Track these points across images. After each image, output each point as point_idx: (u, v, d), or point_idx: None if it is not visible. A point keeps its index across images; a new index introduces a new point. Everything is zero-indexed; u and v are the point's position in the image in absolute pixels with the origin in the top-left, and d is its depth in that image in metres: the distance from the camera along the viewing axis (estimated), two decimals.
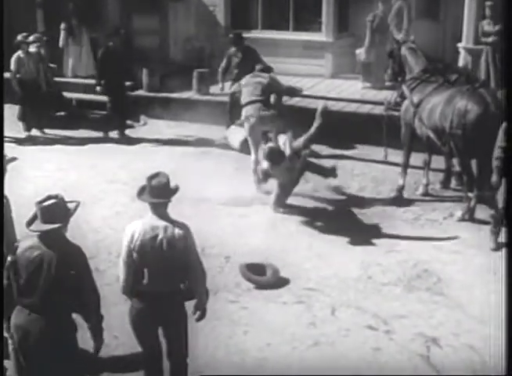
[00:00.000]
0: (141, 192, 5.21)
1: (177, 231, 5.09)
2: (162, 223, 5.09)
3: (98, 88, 12.32)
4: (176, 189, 5.20)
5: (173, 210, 5.23)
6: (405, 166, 9.63)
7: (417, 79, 9.46)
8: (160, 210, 5.13)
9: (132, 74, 12.79)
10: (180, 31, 13.72)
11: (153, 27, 15.19)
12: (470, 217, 8.78)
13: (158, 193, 5.09)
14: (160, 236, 5.06)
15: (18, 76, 12.22)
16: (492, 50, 11.69)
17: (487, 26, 11.82)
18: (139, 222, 5.15)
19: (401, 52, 9.82)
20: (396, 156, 9.91)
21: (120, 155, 11.41)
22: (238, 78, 11.68)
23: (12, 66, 12.17)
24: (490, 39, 11.74)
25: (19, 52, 12.27)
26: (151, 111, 13.03)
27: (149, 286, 5.10)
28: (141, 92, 13.53)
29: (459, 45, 13.06)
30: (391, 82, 10.79)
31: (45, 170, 10.67)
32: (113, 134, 12.38)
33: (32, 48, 12.39)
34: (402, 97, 9.63)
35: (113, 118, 12.38)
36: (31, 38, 12.43)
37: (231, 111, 10.80)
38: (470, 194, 8.65)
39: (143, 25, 15.22)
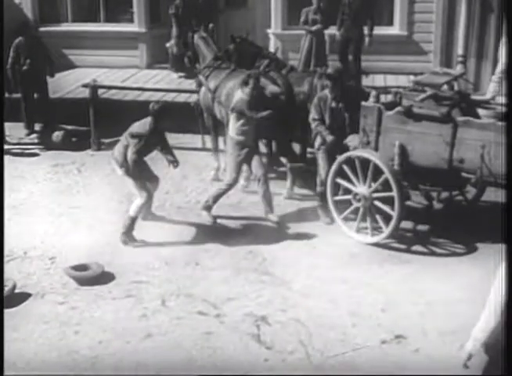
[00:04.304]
0: None
1: None
2: None
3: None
4: None
5: None
6: (216, 150, 9.95)
7: (210, 67, 9.86)
8: None
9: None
10: None
11: None
12: (290, 195, 9.16)
13: None
14: None
15: None
16: (316, 37, 12.16)
17: (313, 14, 12.21)
18: None
19: (194, 40, 10.21)
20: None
21: None
22: (28, 73, 11.24)
23: None
24: (314, 28, 12.17)
25: None
26: None
27: None
28: None
29: (269, 31, 13.54)
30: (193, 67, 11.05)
31: None
32: None
33: None
34: (200, 85, 9.94)
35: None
36: None
37: None
38: (283, 160, 9.02)
39: None
